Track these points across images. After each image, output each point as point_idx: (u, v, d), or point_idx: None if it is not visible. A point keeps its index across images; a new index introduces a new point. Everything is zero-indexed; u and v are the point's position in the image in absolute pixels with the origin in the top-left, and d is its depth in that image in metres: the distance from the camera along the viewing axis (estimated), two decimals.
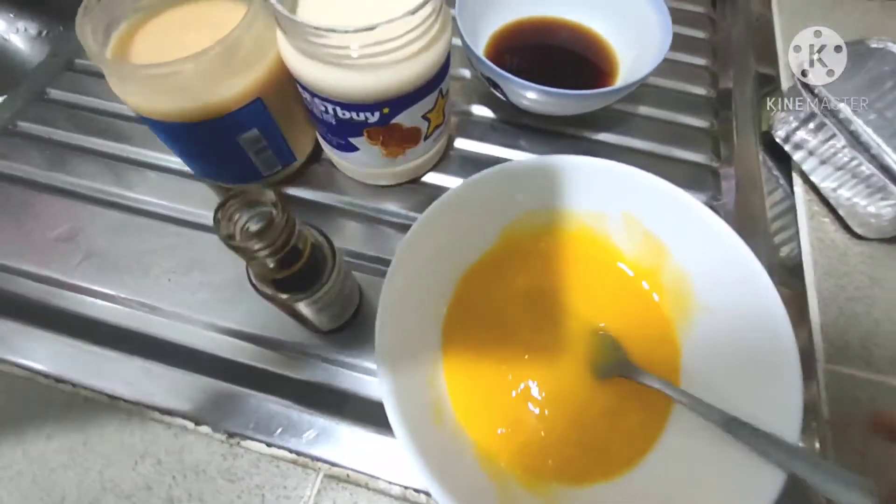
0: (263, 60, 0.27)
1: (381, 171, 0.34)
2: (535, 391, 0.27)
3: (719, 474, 0.22)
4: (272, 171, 0.33)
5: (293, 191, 0.36)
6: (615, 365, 0.27)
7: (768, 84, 0.39)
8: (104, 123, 0.38)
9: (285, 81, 0.28)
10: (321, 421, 0.27)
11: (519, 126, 0.39)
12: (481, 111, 0.40)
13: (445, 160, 0.37)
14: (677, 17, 0.35)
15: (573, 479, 0.24)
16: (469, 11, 0.35)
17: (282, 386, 0.29)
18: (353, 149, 0.31)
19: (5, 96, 0.40)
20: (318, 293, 0.24)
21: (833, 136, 0.30)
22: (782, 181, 0.35)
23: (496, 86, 0.34)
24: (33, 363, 0.29)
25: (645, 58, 0.34)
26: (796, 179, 0.34)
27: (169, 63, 0.24)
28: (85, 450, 0.27)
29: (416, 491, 0.26)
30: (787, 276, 0.32)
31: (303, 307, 0.25)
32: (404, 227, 0.35)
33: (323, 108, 0.28)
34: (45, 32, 0.50)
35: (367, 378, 0.29)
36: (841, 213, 0.32)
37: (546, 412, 0.26)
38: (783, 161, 0.35)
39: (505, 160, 0.37)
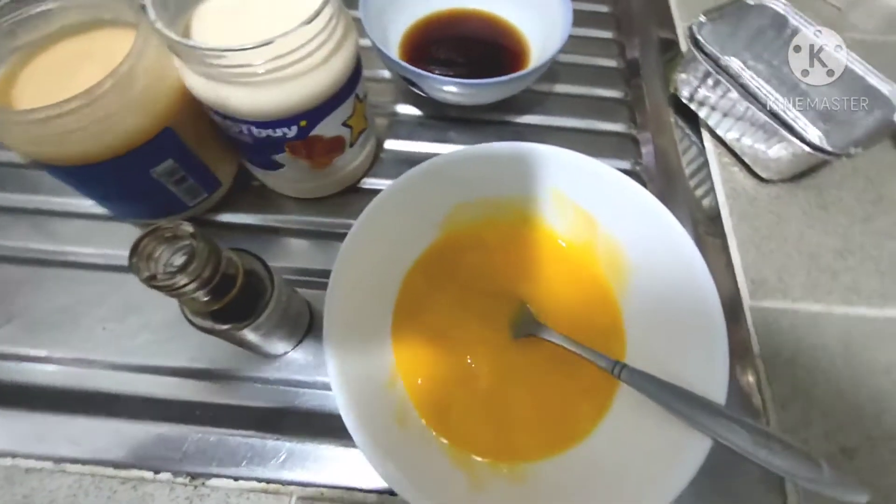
0: (165, 86, 0.26)
1: (312, 185, 0.33)
2: (486, 376, 0.27)
3: (660, 439, 0.23)
4: (198, 200, 0.32)
5: (226, 217, 0.35)
6: (523, 324, 0.28)
7: (671, 49, 0.42)
8: (4, 175, 0.36)
9: (194, 104, 0.27)
10: (288, 444, 0.27)
11: (446, 119, 0.39)
12: (407, 109, 0.40)
13: (378, 163, 0.37)
14: None
15: (537, 454, 0.25)
16: (373, 13, 0.35)
17: (241, 417, 0.28)
18: (278, 166, 0.30)
19: None
20: (261, 318, 0.24)
21: (728, 90, 0.33)
22: (694, 138, 0.38)
23: (414, 84, 0.35)
24: None
25: (553, 37, 0.35)
26: (705, 135, 0.37)
27: (58, 104, 0.22)
28: None
29: (392, 494, 0.26)
30: (711, 225, 0.35)
31: (248, 335, 0.24)
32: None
33: (238, 130, 0.27)
34: None
35: (329, 393, 0.29)
36: (746, 160, 0.35)
37: (500, 393, 0.27)
38: (692, 119, 0.38)
39: (436, 154, 0.38)
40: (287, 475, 0.26)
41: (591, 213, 0.30)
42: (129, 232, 0.34)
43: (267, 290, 0.24)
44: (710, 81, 0.34)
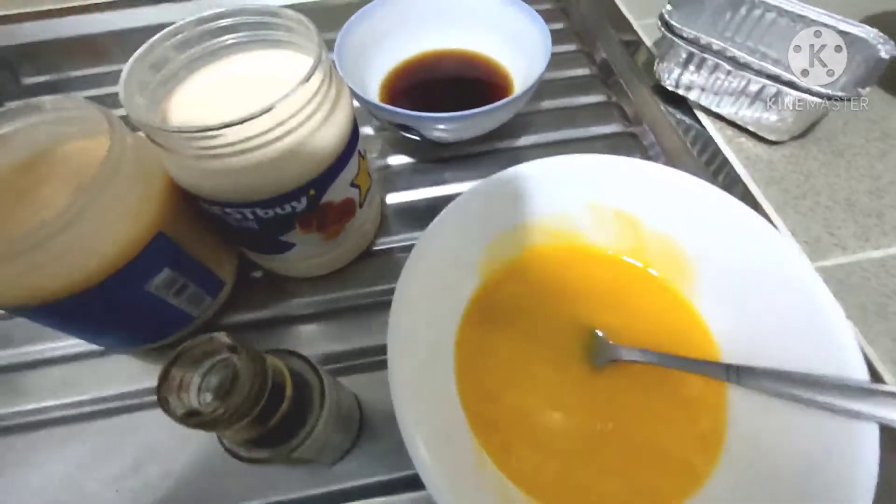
0: (150, 188, 0.23)
1: (324, 258, 0.30)
2: (564, 423, 0.24)
3: (812, 441, 0.20)
4: (203, 309, 0.28)
5: (235, 318, 0.31)
6: (599, 351, 0.25)
7: (634, 47, 0.43)
8: None
9: (185, 201, 0.24)
10: None
11: (441, 161, 0.38)
12: (398, 160, 0.38)
13: (385, 221, 0.35)
14: None
15: (677, 493, 0.21)
16: (349, 65, 0.34)
17: None
18: (288, 247, 0.27)
19: None
20: (318, 427, 0.20)
21: (716, 67, 0.33)
22: (689, 121, 0.37)
23: (407, 128, 0.33)
24: None
25: (535, 62, 0.34)
26: (700, 115, 0.37)
27: (24, 236, 0.19)
28: None
29: None
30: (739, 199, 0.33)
31: (306, 452, 0.20)
32: (373, 305, 0.31)
33: (240, 216, 0.24)
34: None
35: (395, 499, 0.25)
36: (751, 129, 0.34)
37: (580, 444, 0.23)
38: (682, 104, 0.38)
39: (440, 198, 0.36)
40: None
41: (632, 214, 0.28)
42: (126, 365, 0.29)
43: (317, 392, 0.20)
44: (692, 65, 0.34)
